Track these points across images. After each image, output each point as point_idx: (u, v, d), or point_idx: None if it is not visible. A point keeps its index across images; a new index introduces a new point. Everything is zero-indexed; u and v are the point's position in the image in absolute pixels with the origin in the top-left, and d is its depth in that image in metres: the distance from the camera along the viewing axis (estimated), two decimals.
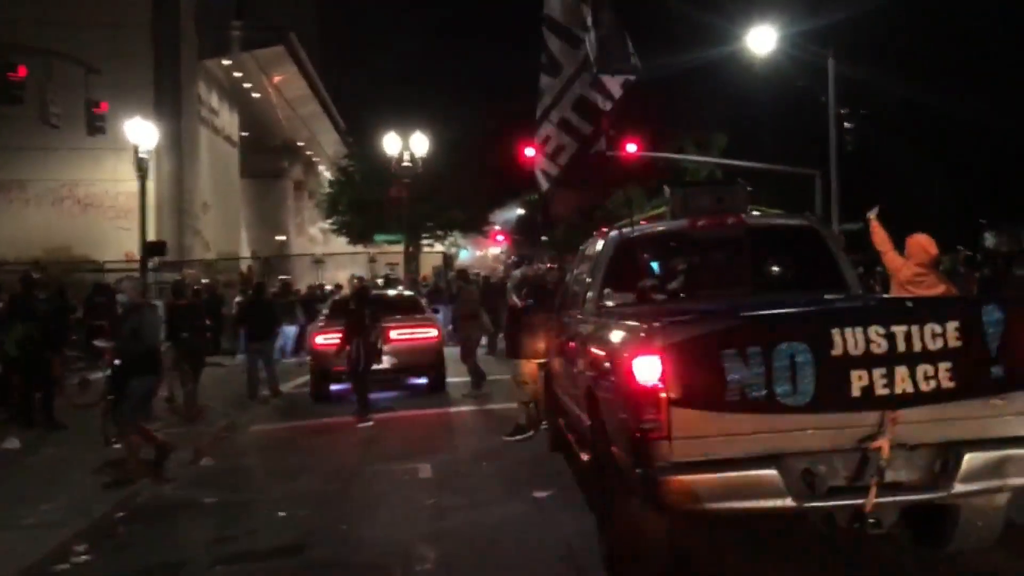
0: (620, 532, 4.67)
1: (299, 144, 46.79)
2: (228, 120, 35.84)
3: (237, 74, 34.17)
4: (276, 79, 36.26)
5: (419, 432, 10.26)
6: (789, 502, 3.89)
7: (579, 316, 6.32)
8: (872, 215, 6.99)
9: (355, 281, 16.43)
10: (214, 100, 33.22)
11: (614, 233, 6.30)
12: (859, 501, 3.91)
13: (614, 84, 6.67)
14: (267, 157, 43.63)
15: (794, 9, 29.97)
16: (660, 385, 3.90)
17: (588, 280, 6.36)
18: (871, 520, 3.95)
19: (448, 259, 33.62)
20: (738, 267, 6.04)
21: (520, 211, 58.93)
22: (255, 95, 37.13)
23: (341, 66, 50.95)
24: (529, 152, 31.82)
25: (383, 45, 59.85)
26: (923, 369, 3.92)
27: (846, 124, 26.21)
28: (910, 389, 3.91)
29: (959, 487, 3.97)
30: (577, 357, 5.81)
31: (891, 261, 6.80)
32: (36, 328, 9.97)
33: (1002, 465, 3.98)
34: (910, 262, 6.58)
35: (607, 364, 4.66)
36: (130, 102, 24.04)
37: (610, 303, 5.88)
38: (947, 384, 3.93)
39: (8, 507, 6.96)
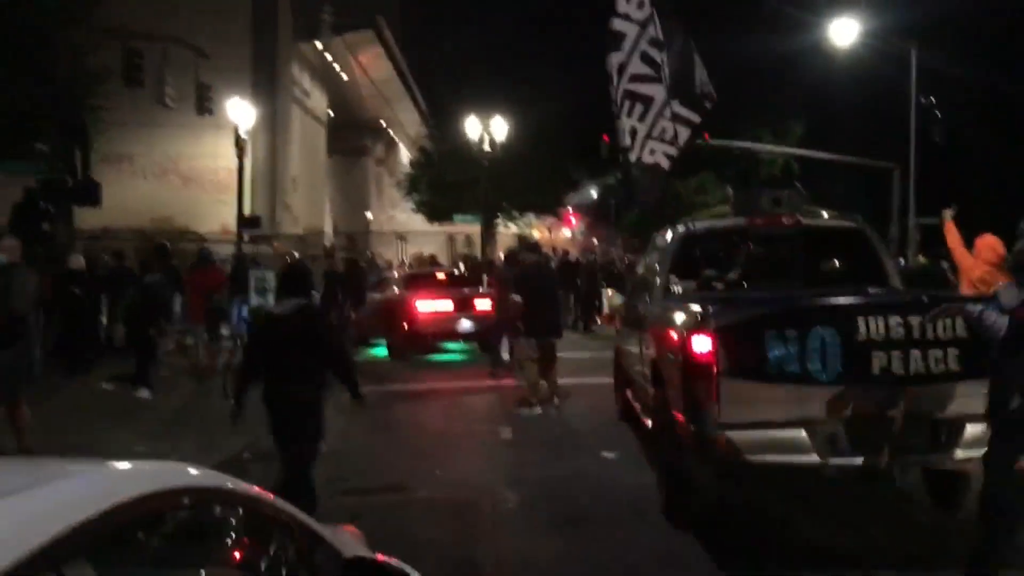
0: (676, 482, 5.59)
1: (381, 123, 48.25)
2: (317, 99, 37.40)
3: (327, 56, 35.63)
4: (363, 60, 37.63)
5: (492, 401, 11.21)
6: (815, 458, 4.75)
7: (648, 300, 7.21)
8: (948, 215, 7.48)
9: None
10: (305, 81, 34.76)
11: (681, 227, 7.16)
12: (875, 460, 4.73)
13: (690, 113, 7.37)
14: (351, 136, 45.18)
15: (878, 1, 29.90)
16: (712, 359, 4.79)
17: (657, 268, 7.25)
18: (883, 476, 4.78)
19: (524, 240, 34.50)
20: (791, 262, 6.83)
21: (594, 194, 59.57)
22: (343, 76, 38.59)
23: (423, 47, 52.21)
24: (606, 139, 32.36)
25: (466, 27, 60.80)
26: (934, 353, 4.72)
27: (936, 113, 26.08)
28: (922, 369, 4.72)
29: (960, 453, 4.77)
30: (645, 335, 6.71)
31: (962, 259, 7.26)
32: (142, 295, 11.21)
33: None
34: (979, 261, 7.04)
35: (670, 341, 5.56)
36: (230, 82, 25.59)
37: (675, 289, 6.76)
38: (954, 367, 4.72)
39: (150, 444, 8.24)
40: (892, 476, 4.82)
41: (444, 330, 14.95)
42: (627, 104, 8.08)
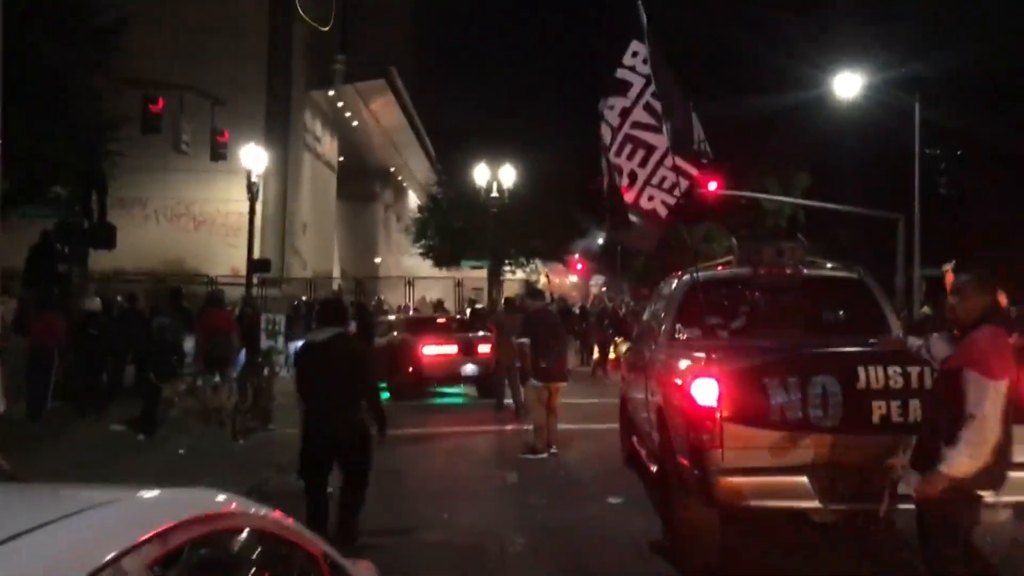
0: (681, 526, 5.68)
1: (391, 169, 48.92)
2: (328, 146, 38.02)
3: (339, 104, 36.32)
4: (374, 108, 38.33)
5: (498, 445, 11.31)
6: (816, 503, 4.85)
7: (653, 347, 7.35)
8: (948, 267, 7.65)
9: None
10: (317, 127, 35.39)
11: (686, 276, 7.33)
12: (874, 507, 4.82)
13: (688, 166, 7.54)
14: (360, 181, 45.78)
15: (881, 55, 30.43)
16: (715, 405, 4.92)
17: (662, 315, 7.40)
18: (883, 523, 4.87)
19: (530, 286, 34.77)
20: (794, 311, 6.98)
21: (600, 241, 60.04)
22: (354, 123, 39.28)
23: (432, 95, 53.14)
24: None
25: (476, 75, 61.91)
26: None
27: (941, 165, 26.21)
28: (920, 418, 4.83)
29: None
30: (650, 381, 6.84)
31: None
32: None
33: None
34: None
35: (674, 387, 5.69)
36: (243, 129, 26.13)
37: (680, 336, 6.90)
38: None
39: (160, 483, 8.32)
40: (891, 523, 4.90)
41: (447, 374, 15.17)
42: (628, 147, 8.12)
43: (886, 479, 4.80)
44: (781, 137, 37.00)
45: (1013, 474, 4.89)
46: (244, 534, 2.05)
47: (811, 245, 7.22)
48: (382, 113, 38.95)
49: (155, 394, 11.23)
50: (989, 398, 3.79)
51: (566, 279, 59.67)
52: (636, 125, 7.63)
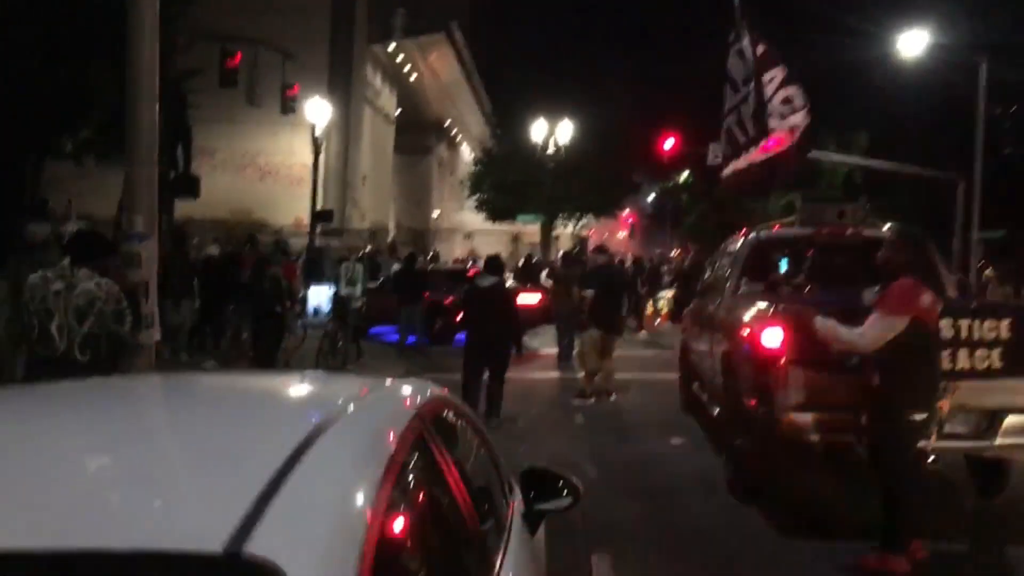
0: (741, 460, 6.30)
1: (446, 123, 49.39)
2: (387, 99, 38.63)
3: (398, 57, 36.83)
4: (432, 62, 38.80)
5: (562, 390, 11.99)
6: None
7: (719, 300, 7.91)
8: None
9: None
10: (377, 81, 36.00)
11: (752, 235, 7.85)
12: (922, 443, 5.38)
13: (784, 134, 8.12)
14: (416, 135, 46.38)
15: (948, 14, 29.88)
16: (780, 349, 5.49)
17: (728, 271, 7.95)
18: (931, 459, 5.43)
19: (583, 240, 35.28)
20: (852, 268, 7.46)
21: (651, 198, 60.00)
22: (411, 76, 39.79)
23: (488, 47, 53.30)
24: (668, 143, 32.87)
25: (533, 29, 61.68)
26: (979, 352, 5.36)
27: (1006, 125, 25.80)
28: (968, 366, 5.36)
29: (1000, 440, 5.40)
30: (717, 331, 7.42)
31: None
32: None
33: None
34: None
35: (742, 335, 6.26)
36: (308, 82, 26.83)
37: (745, 290, 7.45)
38: (997, 364, 5.36)
39: None
40: (937, 459, 5.45)
41: None
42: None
43: (933, 418, 5.36)
44: (841, 96, 36.61)
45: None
46: (454, 409, 2.73)
47: (870, 205, 7.66)
48: (440, 67, 39.40)
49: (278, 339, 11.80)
50: (877, 327, 4.87)
51: (616, 235, 59.87)
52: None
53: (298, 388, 2.74)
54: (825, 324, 5.09)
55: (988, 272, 21.15)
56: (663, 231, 56.76)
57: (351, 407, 2.02)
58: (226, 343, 12.90)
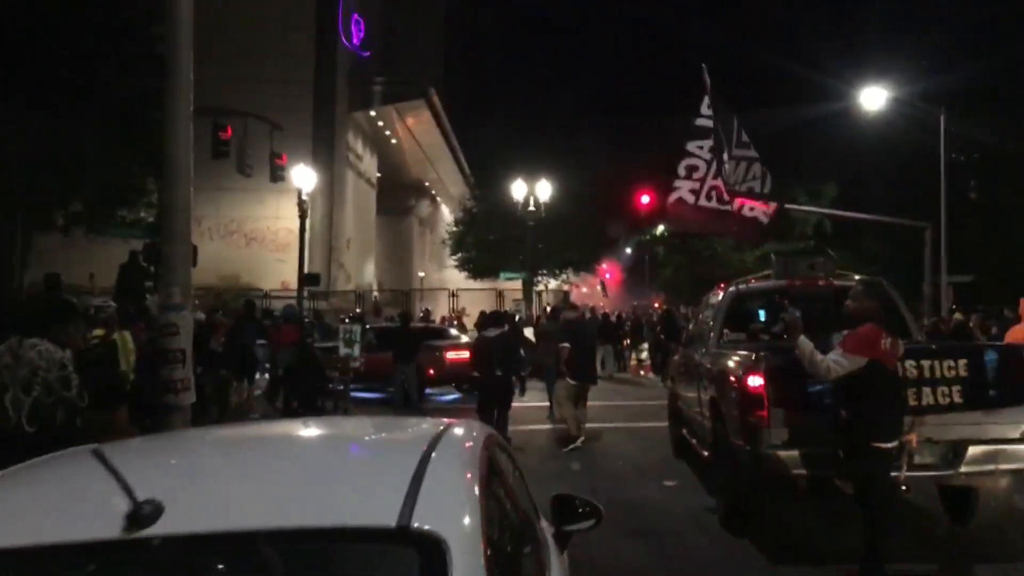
0: (733, 498, 6.82)
1: (426, 184, 50.32)
2: (368, 163, 39.49)
3: (379, 122, 37.79)
4: (411, 126, 39.77)
5: (554, 439, 12.47)
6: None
7: (703, 349, 8.50)
8: None
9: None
10: (359, 146, 36.85)
11: (731, 288, 8.49)
12: (894, 474, 5.93)
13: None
14: (397, 196, 47.19)
15: (906, 69, 31.32)
16: (763, 392, 6.07)
17: (711, 323, 8.56)
18: (904, 488, 5.98)
19: (566, 295, 35.94)
20: (824, 316, 8.09)
21: (628, 251, 61.11)
22: (392, 140, 40.75)
23: (465, 110, 54.57)
24: (644, 199, 33.94)
25: (503, 92, 63.23)
26: (941, 389, 5.96)
27: (971, 174, 26.94)
28: (932, 402, 5.95)
29: (964, 468, 5.98)
30: (703, 378, 7.99)
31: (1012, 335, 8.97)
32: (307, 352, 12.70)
33: (995, 455, 5.98)
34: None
35: (728, 380, 6.84)
36: (293, 150, 27.61)
37: (728, 339, 8.05)
38: (958, 400, 5.95)
39: None
40: (909, 487, 6.00)
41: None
42: (742, 166, 10.45)
43: (903, 451, 5.93)
44: (809, 148, 37.95)
45: (1014, 447, 6.04)
46: (499, 441, 3.25)
47: (838, 254, 8.34)
48: (418, 130, 40.36)
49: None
50: (839, 363, 5.51)
51: (595, 288, 60.69)
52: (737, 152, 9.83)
53: (396, 423, 3.34)
54: (806, 345, 5.74)
55: (958, 315, 21.91)
56: (642, 283, 57.70)
57: (444, 432, 2.57)
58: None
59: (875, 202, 31.49)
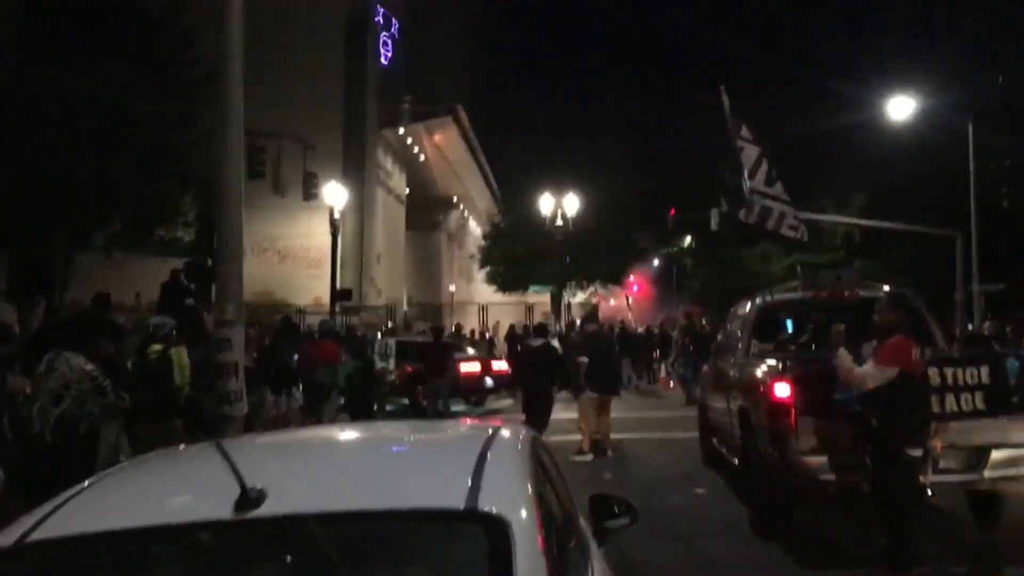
0: (762, 503, 7.03)
1: (454, 199, 50.83)
2: (397, 180, 40.04)
3: (408, 140, 38.35)
4: (439, 142, 40.32)
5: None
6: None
7: (732, 360, 8.72)
8: None
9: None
10: (388, 163, 37.41)
11: (759, 299, 8.72)
12: (921, 479, 6.13)
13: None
14: (425, 211, 47.69)
15: (934, 78, 31.25)
16: (791, 400, 6.29)
17: (739, 333, 8.78)
18: (929, 492, 6.17)
19: (585, 311, 36.14)
20: (851, 326, 8.28)
21: (656, 263, 61.16)
22: (420, 157, 41.30)
23: (490, 126, 55.07)
24: (671, 211, 34.22)
25: (529, 107, 63.73)
26: (965, 396, 6.16)
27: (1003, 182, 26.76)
28: (956, 409, 6.15)
29: (988, 473, 6.16)
30: (733, 388, 8.21)
31: None
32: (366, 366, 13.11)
33: (1018, 460, 6.15)
34: None
35: (757, 389, 7.06)
36: (324, 167, 28.17)
37: (756, 350, 8.27)
38: (980, 406, 6.14)
39: None
40: (934, 493, 6.20)
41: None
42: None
43: (928, 456, 6.12)
44: (837, 158, 37.92)
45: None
46: (542, 440, 3.53)
47: (868, 264, 8.56)
48: (447, 147, 40.88)
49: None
50: (874, 375, 5.82)
51: (623, 300, 60.75)
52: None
53: (452, 425, 3.68)
54: (845, 357, 6.05)
55: (987, 325, 21.86)
56: (670, 296, 57.68)
57: (496, 432, 2.86)
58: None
59: (905, 211, 31.27)
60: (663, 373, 25.29)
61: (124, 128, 17.36)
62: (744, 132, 11.39)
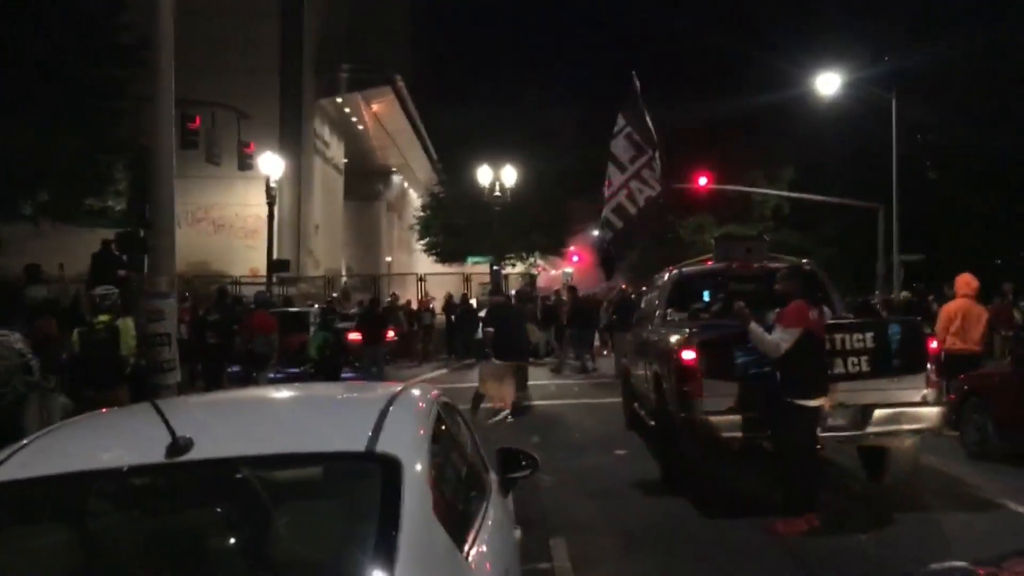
0: (671, 460, 7.55)
1: (393, 169, 50.64)
2: (336, 149, 39.78)
3: (346, 109, 38.07)
4: (378, 112, 40.09)
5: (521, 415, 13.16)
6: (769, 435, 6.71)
7: (649, 328, 9.21)
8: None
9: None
10: (326, 133, 37.15)
11: (675, 271, 9.21)
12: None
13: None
14: (364, 181, 47.43)
15: (861, 54, 32.22)
16: (696, 365, 6.78)
17: (656, 303, 9.27)
18: (819, 447, 6.74)
19: (532, 279, 36.54)
20: (759, 295, 8.84)
21: (596, 233, 61.83)
22: (358, 127, 41.05)
23: (430, 96, 54.83)
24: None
25: (470, 77, 63.57)
26: (852, 359, 6.72)
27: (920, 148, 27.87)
28: (844, 370, 6.71)
29: (871, 429, 6.75)
30: (648, 354, 8.70)
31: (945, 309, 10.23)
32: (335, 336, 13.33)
33: (897, 417, 6.75)
34: (958, 295, 9.83)
35: (668, 355, 7.55)
36: (261, 137, 27.93)
37: (670, 318, 8.77)
38: (866, 369, 6.71)
39: None
40: (823, 448, 6.78)
41: None
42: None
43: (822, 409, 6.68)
44: (767, 132, 38.91)
45: (914, 409, 6.80)
46: (447, 403, 3.86)
47: (798, 236, 9.11)
48: (386, 116, 40.69)
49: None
50: (784, 338, 6.34)
51: (563, 271, 61.38)
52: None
53: (368, 385, 4.04)
54: (756, 329, 6.55)
55: (904, 294, 22.90)
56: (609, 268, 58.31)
57: (402, 391, 3.22)
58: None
59: (833, 185, 32.35)
60: (597, 342, 25.88)
61: (53, 93, 17.07)
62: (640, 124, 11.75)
